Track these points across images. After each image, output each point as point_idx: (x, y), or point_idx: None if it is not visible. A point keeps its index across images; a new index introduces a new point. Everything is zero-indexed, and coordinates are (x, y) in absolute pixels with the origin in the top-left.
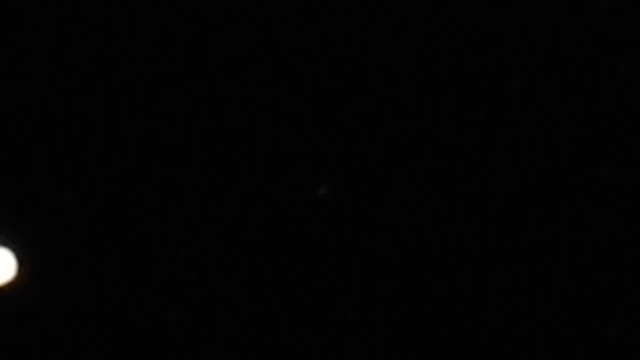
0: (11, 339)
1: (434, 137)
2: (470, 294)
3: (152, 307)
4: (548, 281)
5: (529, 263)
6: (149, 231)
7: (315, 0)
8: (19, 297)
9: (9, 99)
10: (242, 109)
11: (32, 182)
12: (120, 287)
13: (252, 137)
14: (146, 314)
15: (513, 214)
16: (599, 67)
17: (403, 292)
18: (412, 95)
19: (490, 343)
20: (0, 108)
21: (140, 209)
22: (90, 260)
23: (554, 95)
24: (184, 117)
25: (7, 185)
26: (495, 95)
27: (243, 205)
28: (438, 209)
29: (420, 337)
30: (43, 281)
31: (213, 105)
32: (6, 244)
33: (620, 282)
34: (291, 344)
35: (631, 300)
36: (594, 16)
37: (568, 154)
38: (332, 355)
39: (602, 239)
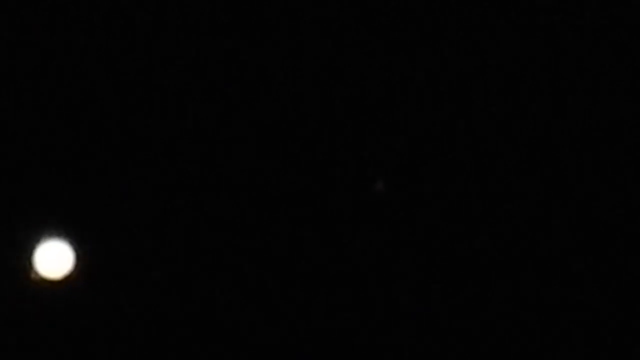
0: (66, 332)
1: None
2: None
3: (206, 303)
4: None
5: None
6: (206, 227)
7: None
8: (75, 291)
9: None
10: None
11: (90, 177)
12: (177, 283)
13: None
14: (200, 309)
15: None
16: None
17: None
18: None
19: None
20: (55, 107)
21: (197, 204)
22: (147, 255)
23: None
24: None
25: (64, 180)
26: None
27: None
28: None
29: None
30: (99, 274)
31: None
32: (63, 237)
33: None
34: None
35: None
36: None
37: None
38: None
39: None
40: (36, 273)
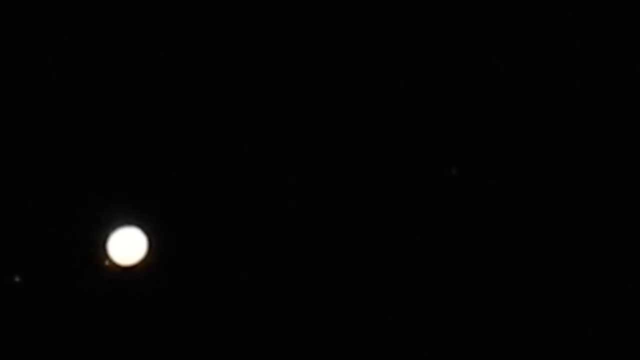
0: (139, 318)
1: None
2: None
3: (276, 291)
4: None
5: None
6: (280, 218)
7: None
8: (148, 277)
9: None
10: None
11: (163, 165)
12: (248, 270)
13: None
14: (271, 298)
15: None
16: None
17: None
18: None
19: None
20: (128, 100)
21: (271, 195)
22: (218, 242)
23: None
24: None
25: (137, 168)
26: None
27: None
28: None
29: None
30: (171, 261)
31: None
32: (136, 224)
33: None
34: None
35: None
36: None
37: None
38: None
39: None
40: (110, 260)
